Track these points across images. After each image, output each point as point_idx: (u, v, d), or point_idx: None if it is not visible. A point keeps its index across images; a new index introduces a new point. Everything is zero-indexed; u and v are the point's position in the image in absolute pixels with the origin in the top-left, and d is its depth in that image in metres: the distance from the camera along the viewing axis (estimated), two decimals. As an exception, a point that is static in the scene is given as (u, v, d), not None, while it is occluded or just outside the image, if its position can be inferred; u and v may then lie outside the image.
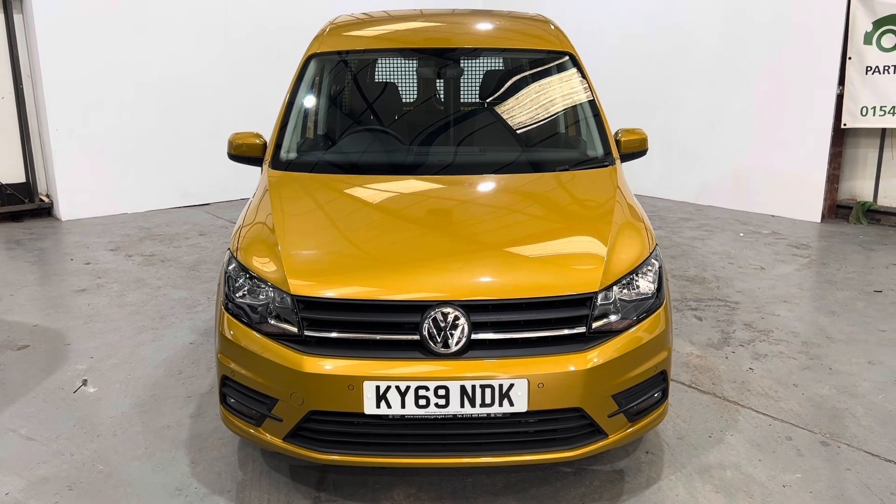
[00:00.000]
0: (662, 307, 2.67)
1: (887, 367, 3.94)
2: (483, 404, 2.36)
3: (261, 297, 2.56)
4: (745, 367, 3.92)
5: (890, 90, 6.88)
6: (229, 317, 2.61)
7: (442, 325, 2.37)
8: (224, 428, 3.14)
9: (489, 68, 4.35)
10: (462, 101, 4.14)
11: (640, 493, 2.77)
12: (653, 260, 2.74)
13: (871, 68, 6.95)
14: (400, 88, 4.37)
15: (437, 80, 4.26)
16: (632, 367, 2.52)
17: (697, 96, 8.41)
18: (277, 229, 2.77)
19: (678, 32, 8.47)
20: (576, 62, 3.83)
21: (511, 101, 3.93)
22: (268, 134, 3.66)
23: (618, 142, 3.56)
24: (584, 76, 3.77)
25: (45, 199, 7.87)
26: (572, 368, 2.39)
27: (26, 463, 3.00)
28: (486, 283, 2.53)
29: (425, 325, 2.38)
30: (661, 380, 2.67)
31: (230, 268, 2.72)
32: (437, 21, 4.21)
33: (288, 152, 3.52)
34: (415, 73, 4.45)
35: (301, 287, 2.47)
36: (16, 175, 7.68)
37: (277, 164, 3.42)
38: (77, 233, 7.18)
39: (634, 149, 3.59)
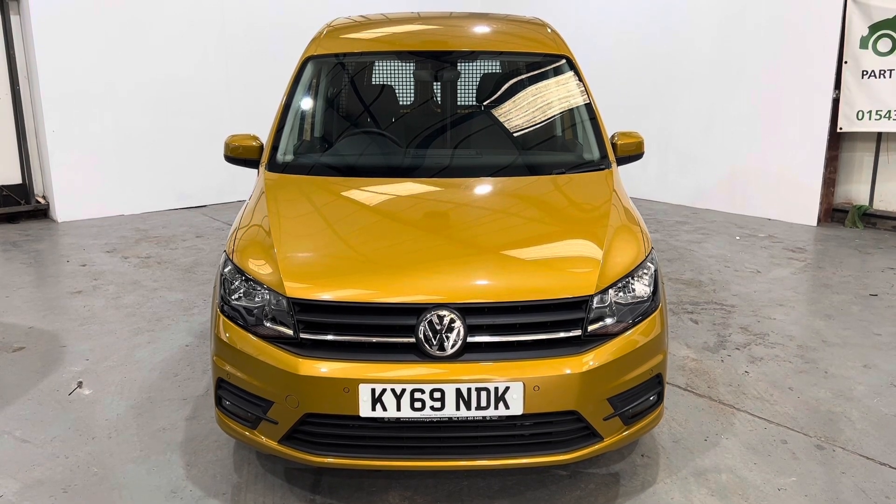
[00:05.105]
0: (658, 310, 2.67)
1: (882, 371, 3.95)
2: (479, 407, 2.36)
3: (256, 299, 2.56)
4: (740, 371, 3.93)
5: (886, 94, 6.91)
6: (225, 319, 2.60)
7: (438, 327, 2.37)
8: (219, 430, 3.13)
9: (486, 71, 4.35)
10: (459, 104, 4.15)
11: (636, 497, 2.77)
12: (648, 263, 2.74)
13: (867, 72, 6.97)
14: (397, 91, 4.37)
15: (434, 83, 4.26)
16: (627, 371, 2.53)
17: (694, 100, 8.43)
18: (273, 232, 2.77)
19: (675, 36, 8.49)
20: (572, 65, 3.83)
21: (508, 104, 3.93)
22: (264, 136, 3.66)
23: (614, 145, 3.57)
24: (580, 79, 3.78)
25: (42, 201, 7.85)
26: (568, 371, 2.39)
27: (21, 465, 2.99)
28: (482, 285, 2.53)
29: (421, 328, 2.38)
30: (656, 383, 2.68)
31: (226, 270, 2.71)
32: (434, 24, 4.21)
33: (284, 155, 3.52)
34: (412, 75, 4.45)
35: (297, 290, 2.47)
36: (12, 176, 7.67)
37: (274, 166, 3.42)
38: (73, 234, 7.17)
39: (631, 152, 3.59)
